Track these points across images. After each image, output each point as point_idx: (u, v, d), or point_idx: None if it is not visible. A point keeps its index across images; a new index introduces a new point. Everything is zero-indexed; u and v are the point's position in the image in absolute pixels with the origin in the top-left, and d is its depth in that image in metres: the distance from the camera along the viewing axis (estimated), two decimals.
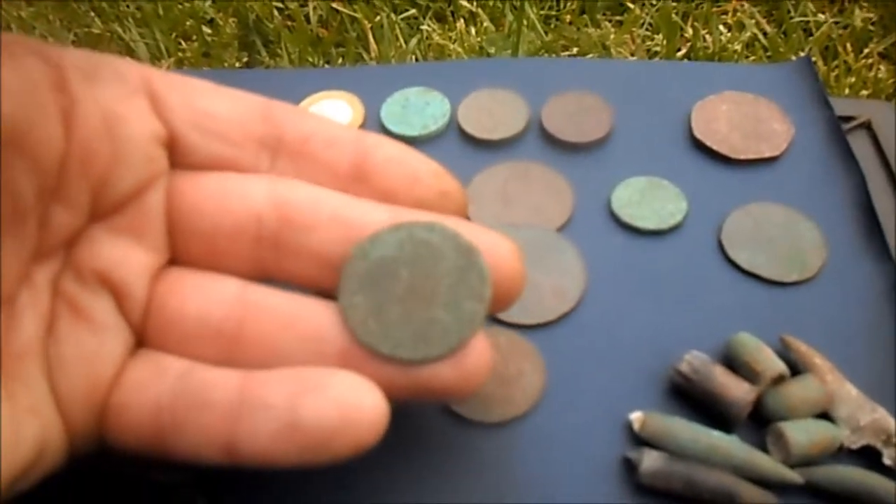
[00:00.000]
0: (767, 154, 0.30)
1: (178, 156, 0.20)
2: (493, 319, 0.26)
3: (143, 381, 0.18)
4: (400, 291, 0.19)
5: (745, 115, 0.31)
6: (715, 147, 0.30)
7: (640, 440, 0.23)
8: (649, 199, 0.29)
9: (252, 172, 0.20)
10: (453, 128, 0.32)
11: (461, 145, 0.31)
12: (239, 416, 0.17)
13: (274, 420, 0.17)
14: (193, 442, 0.18)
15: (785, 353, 0.24)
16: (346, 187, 0.20)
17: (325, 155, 0.20)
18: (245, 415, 0.17)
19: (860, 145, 0.31)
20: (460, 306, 0.19)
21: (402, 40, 0.49)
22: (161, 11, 0.52)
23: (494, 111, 0.32)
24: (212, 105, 0.20)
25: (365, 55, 0.49)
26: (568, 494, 0.22)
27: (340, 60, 0.49)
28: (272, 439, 0.17)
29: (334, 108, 0.32)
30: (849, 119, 0.32)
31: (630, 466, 0.22)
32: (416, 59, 0.48)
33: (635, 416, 0.23)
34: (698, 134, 0.31)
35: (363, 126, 0.32)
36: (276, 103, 0.21)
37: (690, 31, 0.48)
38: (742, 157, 0.30)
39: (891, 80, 0.44)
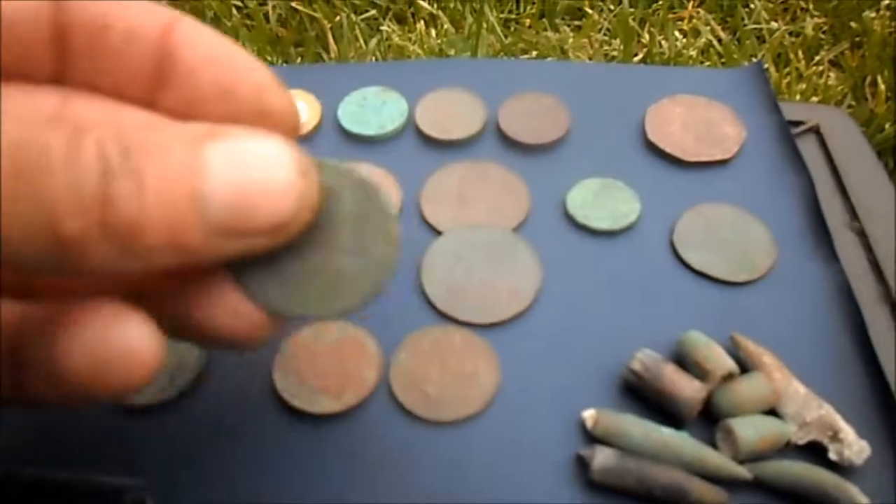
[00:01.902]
0: (719, 157, 0.30)
1: None
2: (449, 318, 0.26)
3: None
4: (299, 244, 0.17)
5: (698, 119, 0.32)
6: (668, 150, 0.31)
7: (593, 438, 0.23)
8: (604, 200, 0.29)
9: (41, 73, 0.17)
10: (410, 127, 0.32)
11: (418, 145, 0.31)
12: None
13: (38, 377, 0.15)
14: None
15: (734, 352, 0.24)
16: (148, 94, 0.17)
17: (125, 53, 0.17)
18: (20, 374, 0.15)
19: (809, 149, 0.32)
20: (369, 252, 0.17)
21: (361, 41, 0.49)
22: None
23: (452, 111, 0.32)
24: None
25: (324, 55, 0.49)
26: (522, 492, 0.22)
27: (299, 60, 0.49)
28: (49, 395, 0.15)
29: None
30: (798, 123, 0.33)
31: (583, 464, 0.22)
32: (376, 60, 0.48)
33: (588, 414, 0.23)
34: (652, 136, 0.31)
35: (320, 125, 0.32)
36: None
37: (647, 36, 0.49)
38: (694, 159, 0.30)
39: (840, 87, 0.45)
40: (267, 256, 0.16)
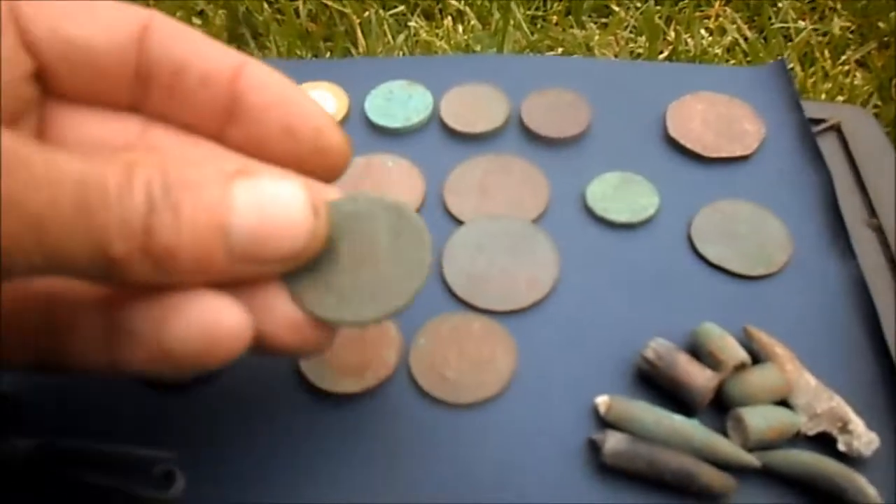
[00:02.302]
0: (739, 153, 0.31)
1: (48, 86, 0.19)
2: (469, 305, 0.26)
3: None
4: (342, 261, 0.19)
5: (718, 115, 0.32)
6: (688, 145, 0.31)
7: (606, 423, 0.23)
8: (623, 194, 0.29)
9: (125, 106, 0.20)
10: (435, 121, 0.33)
11: (443, 138, 0.32)
12: (112, 342, 0.17)
13: (143, 347, 0.17)
14: (81, 351, 0.18)
15: (748, 343, 0.25)
16: (218, 130, 0.20)
17: (198, 93, 0.20)
18: (116, 342, 0.17)
19: (829, 147, 0.32)
20: (405, 258, 0.19)
21: (389, 36, 0.50)
22: (151, 2, 0.52)
23: (476, 105, 0.33)
24: (82, 32, 0.19)
25: (353, 50, 0.50)
26: (535, 475, 0.23)
27: (328, 54, 0.50)
28: (146, 362, 0.17)
29: (319, 99, 0.33)
30: (820, 121, 0.33)
31: (594, 448, 0.23)
32: (403, 55, 0.49)
33: (601, 400, 0.24)
34: (673, 132, 0.31)
35: (347, 117, 0.33)
36: (156, 16, 0.19)
37: (673, 34, 0.49)
38: (714, 155, 0.31)
39: (866, 87, 0.45)
40: (317, 271, 0.19)
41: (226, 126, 0.20)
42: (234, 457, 0.23)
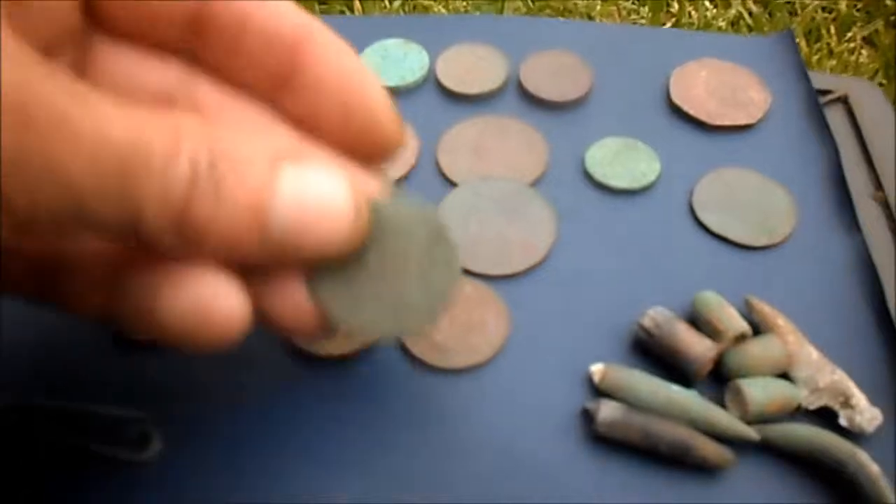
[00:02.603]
0: (743, 121, 0.30)
1: (94, 16, 0.18)
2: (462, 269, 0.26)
3: None
4: (370, 268, 0.18)
5: (723, 83, 0.31)
6: (692, 112, 0.30)
7: (600, 392, 0.23)
8: (623, 159, 0.28)
9: (173, 49, 0.19)
10: (431, 81, 0.31)
11: (438, 98, 0.31)
12: (110, 296, 0.17)
13: (137, 312, 0.16)
14: (79, 293, 0.18)
15: (748, 315, 0.24)
16: (271, 93, 0.19)
17: (257, 53, 0.18)
18: (113, 296, 0.17)
19: (836, 119, 0.31)
20: (432, 280, 0.19)
21: (386, 1, 0.49)
22: None
23: (473, 66, 0.31)
24: None
25: (348, 14, 0.49)
26: (526, 443, 0.22)
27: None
28: (138, 326, 0.17)
29: None
30: (826, 93, 0.32)
31: (588, 417, 0.22)
32: None
33: (596, 369, 0.23)
34: (676, 98, 0.30)
35: None
36: None
37: (676, 5, 0.48)
38: (718, 122, 0.30)
39: (872, 65, 0.45)
40: (342, 271, 0.18)
41: (280, 91, 0.19)
42: (215, 417, 0.23)
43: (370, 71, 0.19)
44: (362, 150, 0.19)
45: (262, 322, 0.18)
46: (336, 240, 0.16)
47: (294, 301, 0.18)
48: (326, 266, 0.18)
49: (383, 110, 0.19)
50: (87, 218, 0.14)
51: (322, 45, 0.18)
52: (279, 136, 0.19)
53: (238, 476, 0.21)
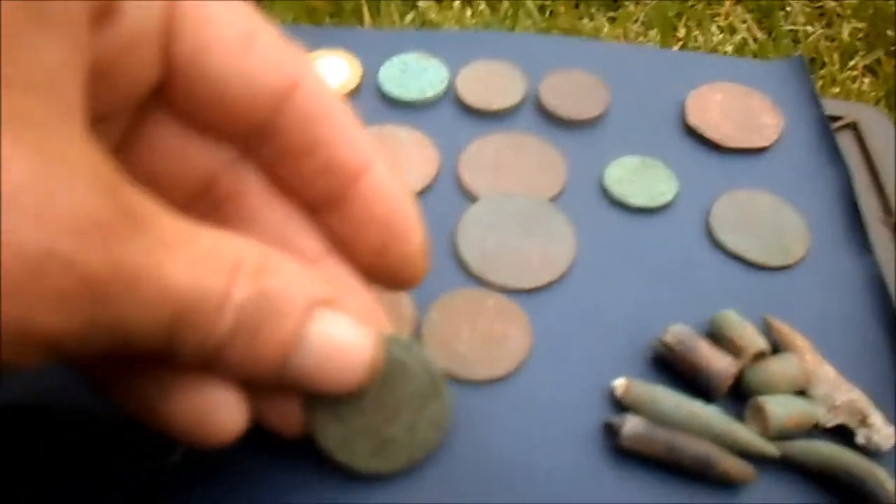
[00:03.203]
0: (757, 144, 0.30)
1: (162, 97, 0.17)
2: (483, 282, 0.26)
3: None
4: (365, 403, 0.19)
5: (737, 107, 0.32)
6: (708, 134, 0.31)
7: (622, 406, 0.23)
8: (641, 178, 0.29)
9: (227, 136, 0.18)
10: (450, 95, 0.32)
11: (457, 113, 0.31)
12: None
13: (143, 406, 0.17)
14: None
15: (767, 333, 0.24)
16: (312, 208, 0.19)
17: (314, 176, 0.18)
18: (119, 393, 0.17)
19: (846, 144, 0.32)
20: (418, 431, 0.20)
21: (396, 16, 0.49)
22: None
23: (493, 82, 0.32)
24: (231, 73, 0.16)
25: (359, 28, 0.49)
26: (547, 455, 0.22)
27: None
28: (144, 422, 0.17)
29: (332, 66, 0.32)
30: (836, 119, 0.33)
31: (611, 432, 0.22)
32: None
33: (618, 383, 0.23)
34: (692, 120, 0.31)
35: (360, 86, 0.32)
36: (310, 79, 0.17)
37: (683, 30, 0.49)
38: (733, 145, 0.30)
39: (874, 94, 0.45)
40: (338, 401, 0.19)
41: (326, 207, 0.19)
42: None
43: (416, 212, 0.19)
44: (384, 280, 0.20)
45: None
46: (347, 385, 0.17)
47: (286, 414, 0.19)
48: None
49: (419, 254, 0.19)
50: (123, 347, 0.14)
51: (380, 179, 0.18)
52: (311, 247, 0.19)
53: (258, 482, 0.21)
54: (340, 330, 0.17)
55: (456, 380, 0.23)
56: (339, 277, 0.19)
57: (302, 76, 0.17)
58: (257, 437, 0.21)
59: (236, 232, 0.16)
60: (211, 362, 0.16)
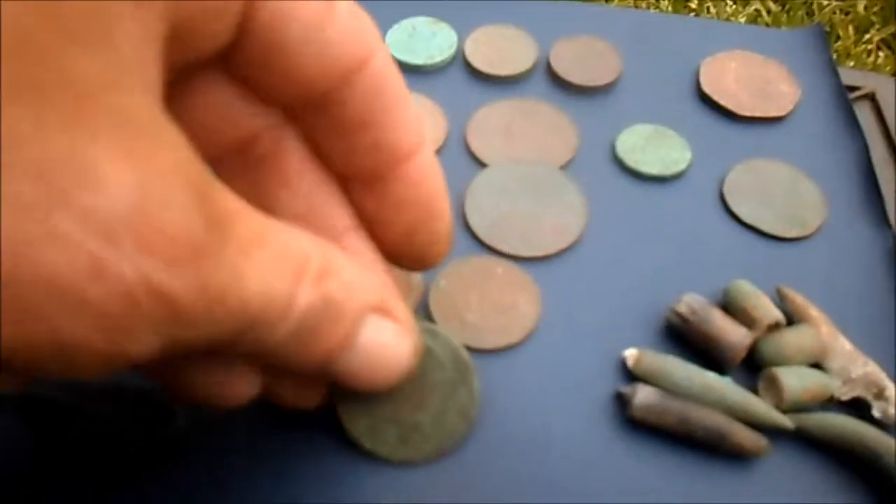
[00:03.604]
0: (773, 113, 0.30)
1: (225, 61, 0.16)
2: (492, 250, 0.25)
3: None
4: (393, 392, 0.20)
5: (753, 75, 0.31)
6: (722, 102, 0.30)
7: (634, 377, 0.22)
8: (654, 146, 0.28)
9: (276, 104, 0.17)
10: (459, 60, 0.31)
11: (466, 78, 0.31)
12: None
13: (159, 375, 0.17)
14: None
15: (781, 304, 0.24)
16: (349, 183, 0.18)
17: (362, 153, 0.18)
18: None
19: (863, 115, 0.31)
20: (445, 419, 0.20)
21: None
22: None
23: (502, 47, 0.31)
24: (305, 38, 0.15)
25: None
26: (558, 424, 0.22)
27: None
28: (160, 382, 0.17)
29: None
30: (853, 89, 0.32)
31: (622, 402, 0.22)
32: None
33: (630, 353, 0.23)
34: (706, 88, 0.30)
35: None
36: (379, 55, 0.16)
37: (696, 1, 0.48)
38: (748, 114, 0.30)
39: (888, 67, 0.45)
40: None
41: (358, 185, 0.18)
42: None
43: (447, 203, 0.19)
44: (406, 259, 0.19)
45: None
46: (382, 385, 0.17)
47: (302, 390, 0.19)
48: None
49: (447, 239, 0.19)
50: (185, 352, 0.13)
51: (426, 165, 0.18)
52: (344, 219, 0.19)
53: (259, 460, 0.21)
54: (387, 337, 0.17)
55: (465, 349, 0.23)
56: (361, 252, 0.19)
57: (374, 50, 0.16)
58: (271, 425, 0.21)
59: (288, 215, 0.17)
60: (259, 357, 0.16)
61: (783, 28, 0.41)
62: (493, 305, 0.24)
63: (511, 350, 0.23)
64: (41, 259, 0.10)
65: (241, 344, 0.14)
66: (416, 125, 0.18)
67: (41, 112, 0.10)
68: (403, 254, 0.19)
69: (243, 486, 0.20)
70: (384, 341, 0.17)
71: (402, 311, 0.18)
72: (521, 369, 0.23)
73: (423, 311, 0.24)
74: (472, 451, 0.21)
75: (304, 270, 0.15)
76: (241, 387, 0.17)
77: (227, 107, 0.17)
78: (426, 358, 0.20)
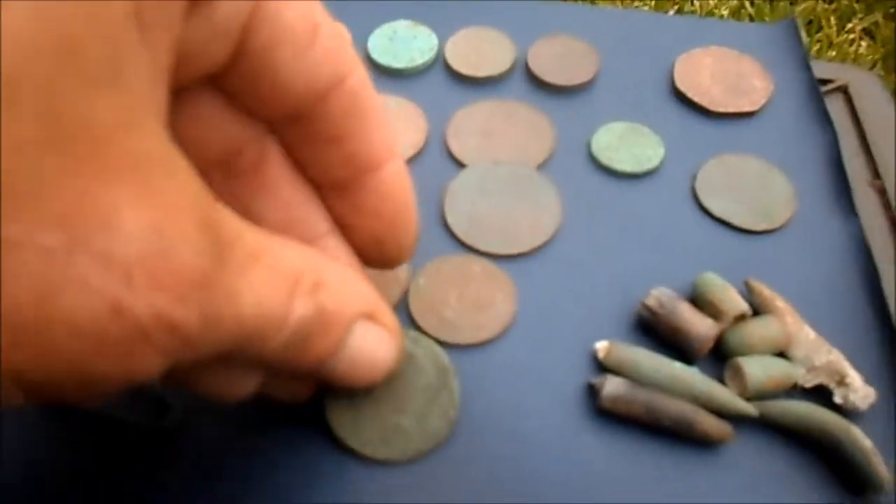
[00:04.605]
0: (746, 108, 0.30)
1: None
2: (470, 248, 0.26)
3: None
4: (377, 393, 0.21)
5: (727, 70, 0.32)
6: (696, 99, 0.31)
7: (605, 368, 0.23)
8: (628, 144, 0.29)
9: (258, 117, 0.18)
10: (440, 63, 0.32)
11: (447, 81, 0.31)
12: None
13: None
14: None
15: (748, 297, 0.25)
16: (321, 190, 0.19)
17: (336, 165, 0.19)
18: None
19: (836, 108, 0.32)
20: (427, 421, 0.21)
21: None
22: None
23: (482, 49, 0.32)
24: (293, 61, 0.16)
25: None
26: (532, 418, 0.23)
27: None
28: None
29: None
30: (827, 82, 0.33)
31: (593, 392, 0.23)
32: None
33: (600, 345, 0.23)
34: (680, 85, 0.31)
35: None
36: (356, 75, 0.17)
37: None
38: (721, 109, 0.30)
39: (871, 56, 0.45)
40: (353, 394, 0.21)
41: (331, 193, 0.19)
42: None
43: (415, 214, 0.20)
44: (373, 261, 0.20)
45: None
46: (365, 384, 0.19)
47: (290, 386, 0.20)
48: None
49: (411, 247, 0.20)
50: (185, 366, 0.14)
51: (394, 176, 0.19)
52: (322, 224, 0.20)
53: (249, 455, 0.22)
54: (374, 341, 0.18)
55: (443, 344, 0.24)
56: (338, 255, 0.20)
57: (352, 68, 0.17)
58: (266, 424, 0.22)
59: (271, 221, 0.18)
60: (254, 363, 0.17)
61: (761, 22, 0.41)
62: (471, 302, 0.25)
63: (488, 345, 0.24)
64: (63, 303, 0.11)
65: (238, 354, 0.15)
66: (388, 139, 0.19)
67: (64, 161, 0.11)
68: (372, 258, 0.20)
69: (233, 480, 0.21)
70: (371, 345, 0.18)
71: (388, 315, 0.19)
72: (498, 364, 0.24)
73: (404, 309, 0.25)
74: (451, 445, 0.22)
75: (297, 284, 0.16)
76: (240, 385, 0.18)
77: (215, 120, 0.18)
78: (409, 363, 0.21)
